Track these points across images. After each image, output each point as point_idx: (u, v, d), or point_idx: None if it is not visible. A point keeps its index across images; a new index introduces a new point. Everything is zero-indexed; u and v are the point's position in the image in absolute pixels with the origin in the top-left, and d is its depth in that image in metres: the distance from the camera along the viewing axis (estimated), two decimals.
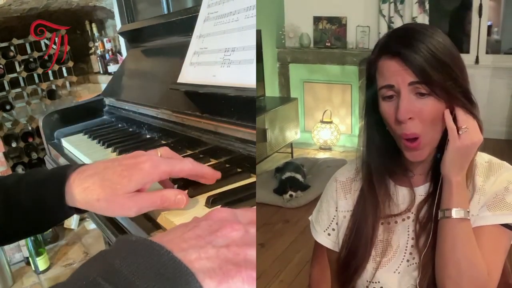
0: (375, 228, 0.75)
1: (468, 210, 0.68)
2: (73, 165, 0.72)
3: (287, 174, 2.74)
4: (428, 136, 0.68)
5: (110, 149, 1.16)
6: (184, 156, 0.99)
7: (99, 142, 1.26)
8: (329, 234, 0.83)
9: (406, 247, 0.74)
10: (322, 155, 3.47)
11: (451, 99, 0.66)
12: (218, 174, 0.75)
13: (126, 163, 0.66)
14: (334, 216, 0.82)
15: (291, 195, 2.64)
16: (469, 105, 0.68)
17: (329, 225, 0.82)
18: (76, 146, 1.28)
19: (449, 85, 0.66)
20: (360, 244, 0.75)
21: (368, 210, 0.75)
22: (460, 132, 0.66)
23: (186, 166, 0.69)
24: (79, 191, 0.66)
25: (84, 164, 0.72)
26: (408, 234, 0.74)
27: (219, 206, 0.66)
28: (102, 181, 0.64)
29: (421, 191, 0.75)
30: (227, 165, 0.89)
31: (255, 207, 0.54)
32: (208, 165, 0.92)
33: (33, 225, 0.71)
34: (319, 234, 0.84)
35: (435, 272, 0.69)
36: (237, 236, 0.46)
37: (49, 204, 0.68)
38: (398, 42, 0.67)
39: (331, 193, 0.83)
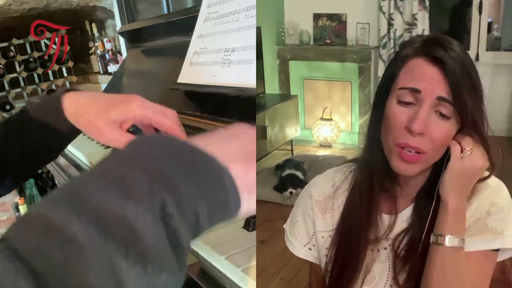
0: (365, 252, 0.70)
1: (463, 238, 0.63)
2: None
3: (287, 172, 2.74)
4: (429, 155, 0.63)
5: (110, 149, 1.16)
6: None
7: (99, 142, 1.26)
8: (310, 249, 0.77)
9: (388, 276, 0.69)
10: (322, 152, 3.47)
11: (467, 123, 0.62)
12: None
13: (118, 97, 0.72)
14: (313, 233, 0.76)
15: (291, 192, 2.65)
16: (482, 133, 0.64)
17: (309, 240, 0.77)
18: (76, 146, 1.28)
19: (473, 109, 0.62)
20: (348, 267, 0.70)
21: (358, 232, 0.69)
22: (462, 154, 0.62)
23: (167, 124, 0.70)
24: (72, 104, 0.72)
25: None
26: (389, 263, 0.70)
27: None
28: (92, 101, 0.71)
29: (404, 216, 0.69)
30: None
31: None
32: None
33: (45, 148, 0.77)
34: (298, 249, 0.78)
35: None
36: (253, 137, 0.46)
37: (52, 118, 0.73)
38: (443, 49, 0.61)
39: (306, 210, 0.77)
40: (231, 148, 0.42)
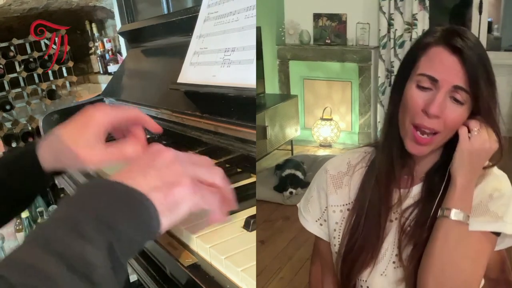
0: (385, 223, 0.73)
1: (468, 215, 0.67)
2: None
3: (287, 171, 2.74)
4: (441, 137, 0.67)
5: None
6: None
7: None
8: (321, 224, 0.81)
9: (393, 249, 0.73)
10: (322, 152, 3.47)
11: (483, 109, 0.67)
12: (159, 128, 0.81)
13: (79, 118, 0.73)
14: (326, 208, 0.80)
15: (291, 192, 2.65)
16: (494, 118, 0.68)
17: (321, 215, 0.81)
18: None
19: (487, 97, 0.66)
20: (369, 240, 0.73)
21: (379, 205, 0.73)
22: (470, 134, 0.66)
23: (132, 114, 0.76)
24: (47, 151, 0.73)
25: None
26: (395, 239, 0.73)
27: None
28: (62, 140, 0.72)
29: (413, 192, 0.73)
30: (227, 165, 0.89)
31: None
32: None
33: (17, 199, 0.76)
34: (310, 224, 0.82)
35: (418, 267, 0.68)
36: (170, 158, 0.56)
37: (27, 170, 0.74)
38: (463, 39, 0.65)
39: (321, 184, 0.81)
40: (151, 180, 0.52)
